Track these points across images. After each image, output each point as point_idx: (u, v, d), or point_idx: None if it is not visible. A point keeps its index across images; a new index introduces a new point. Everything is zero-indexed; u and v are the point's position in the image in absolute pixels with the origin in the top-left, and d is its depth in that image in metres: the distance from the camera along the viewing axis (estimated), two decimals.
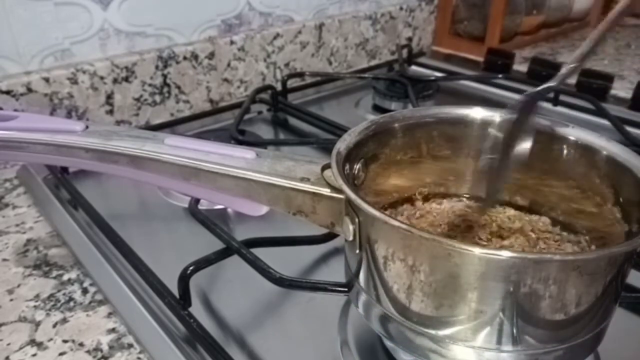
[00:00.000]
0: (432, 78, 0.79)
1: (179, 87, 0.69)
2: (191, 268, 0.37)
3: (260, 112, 0.72)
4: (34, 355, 0.35)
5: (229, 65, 0.73)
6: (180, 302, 0.37)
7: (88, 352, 0.35)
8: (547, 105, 0.72)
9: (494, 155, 0.30)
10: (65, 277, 0.42)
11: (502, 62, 0.84)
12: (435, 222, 0.35)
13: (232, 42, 0.72)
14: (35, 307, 0.39)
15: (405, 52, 0.89)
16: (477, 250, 0.24)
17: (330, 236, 0.42)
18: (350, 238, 0.29)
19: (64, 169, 0.54)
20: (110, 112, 0.64)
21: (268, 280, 0.36)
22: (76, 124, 0.38)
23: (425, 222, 0.35)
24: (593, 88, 0.73)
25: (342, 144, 0.32)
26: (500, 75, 0.79)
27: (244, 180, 0.33)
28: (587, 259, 0.25)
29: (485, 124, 0.36)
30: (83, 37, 0.61)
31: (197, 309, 0.38)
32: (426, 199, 0.37)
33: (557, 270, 0.24)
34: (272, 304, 0.39)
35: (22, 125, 0.38)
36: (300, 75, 0.78)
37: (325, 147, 0.60)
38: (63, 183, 0.52)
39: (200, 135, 0.61)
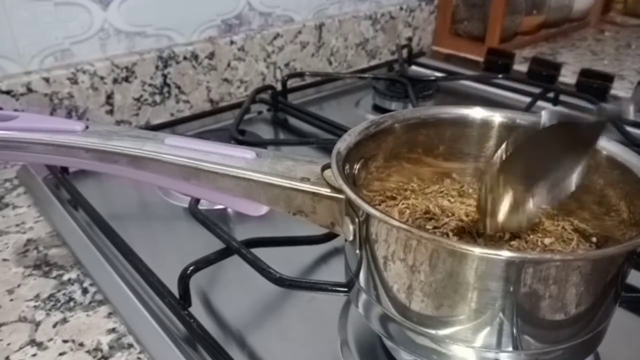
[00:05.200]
0: (432, 78, 0.79)
1: (179, 87, 0.69)
2: (191, 268, 0.37)
3: (260, 112, 0.72)
4: (34, 355, 0.35)
5: (229, 65, 0.73)
6: (180, 302, 0.37)
7: (88, 352, 0.35)
8: (547, 105, 0.72)
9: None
10: (65, 277, 0.42)
11: (502, 62, 0.84)
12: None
13: (232, 42, 0.72)
14: (35, 307, 0.39)
15: (405, 52, 0.89)
16: (477, 250, 0.24)
17: (330, 236, 0.42)
18: (350, 238, 0.29)
19: (64, 169, 0.54)
20: (110, 112, 0.64)
21: (268, 280, 0.36)
22: (76, 124, 0.38)
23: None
24: (593, 88, 0.73)
25: (342, 144, 0.31)
26: (500, 75, 0.79)
27: (244, 180, 0.33)
28: (587, 259, 0.25)
29: (485, 124, 0.36)
30: (83, 37, 0.61)
31: (197, 309, 0.38)
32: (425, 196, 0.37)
33: (557, 270, 0.24)
34: (272, 304, 0.39)
35: (22, 125, 0.38)
36: (300, 75, 0.78)
37: (325, 147, 0.60)
38: (63, 183, 0.52)
39: (200, 135, 0.61)
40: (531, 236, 0.32)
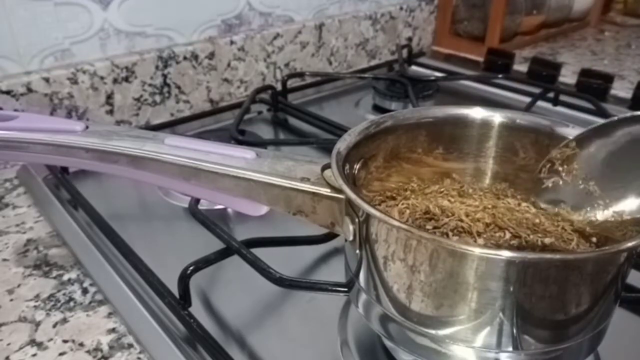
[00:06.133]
0: (432, 78, 0.79)
1: (179, 87, 0.69)
2: (191, 268, 0.37)
3: (260, 112, 0.72)
4: (34, 355, 0.35)
5: (229, 65, 0.73)
6: (180, 302, 0.37)
7: (88, 352, 0.35)
8: (547, 105, 0.72)
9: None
10: (65, 277, 0.42)
11: (502, 62, 0.84)
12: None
13: (232, 42, 0.72)
14: (35, 307, 0.39)
15: (405, 52, 0.89)
16: (477, 250, 0.24)
17: (330, 236, 0.42)
18: (350, 238, 0.29)
19: (64, 169, 0.54)
20: (110, 112, 0.64)
21: (268, 280, 0.36)
22: (76, 124, 0.38)
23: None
24: (593, 88, 0.73)
25: (342, 144, 0.31)
26: (500, 75, 0.79)
27: (244, 180, 0.33)
28: (587, 259, 0.25)
29: (485, 124, 0.36)
30: (83, 37, 0.61)
31: (197, 309, 0.38)
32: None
33: (557, 270, 0.24)
34: (272, 304, 0.39)
35: (22, 125, 0.38)
36: (300, 75, 0.78)
37: (325, 147, 0.60)
38: (63, 183, 0.52)
39: (200, 135, 0.61)
40: (531, 236, 0.32)
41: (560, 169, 0.32)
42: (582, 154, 0.31)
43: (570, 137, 0.33)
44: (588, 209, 0.32)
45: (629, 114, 0.29)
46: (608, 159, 0.31)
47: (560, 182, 0.32)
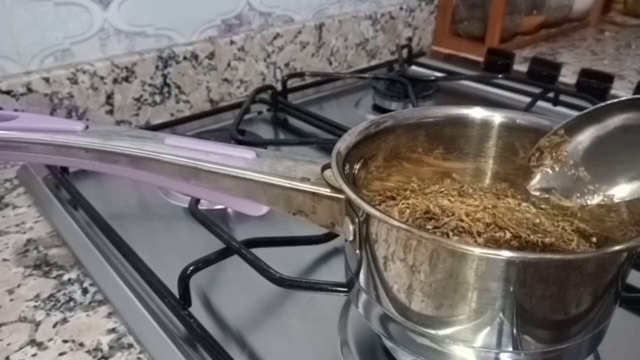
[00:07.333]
0: (432, 78, 0.79)
1: (179, 87, 0.69)
2: (191, 268, 0.37)
3: (260, 112, 0.72)
4: (34, 355, 0.35)
5: (229, 65, 0.73)
6: (180, 302, 0.37)
7: (88, 352, 0.35)
8: (547, 105, 0.72)
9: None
10: (65, 277, 0.42)
11: (502, 62, 0.84)
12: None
13: (232, 42, 0.72)
14: (35, 307, 0.39)
15: (405, 52, 0.89)
16: (477, 250, 0.24)
17: (330, 236, 0.42)
18: (350, 238, 0.29)
19: (64, 169, 0.54)
20: (110, 112, 0.64)
21: (268, 280, 0.36)
22: (76, 124, 0.38)
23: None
24: (593, 88, 0.73)
25: (342, 144, 0.32)
26: (500, 75, 0.79)
27: (244, 180, 0.33)
28: (587, 259, 0.25)
29: (485, 124, 0.36)
30: (83, 37, 0.61)
31: (197, 309, 0.38)
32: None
33: (557, 270, 0.24)
34: (272, 304, 0.39)
35: (22, 125, 0.38)
36: (300, 75, 0.78)
37: (325, 147, 0.60)
38: (63, 183, 0.52)
39: (200, 135, 0.61)
40: (531, 236, 0.32)
41: (549, 156, 0.33)
42: (571, 140, 0.32)
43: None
44: (578, 194, 0.32)
45: (615, 99, 0.29)
46: (597, 145, 0.31)
47: (550, 170, 0.33)
